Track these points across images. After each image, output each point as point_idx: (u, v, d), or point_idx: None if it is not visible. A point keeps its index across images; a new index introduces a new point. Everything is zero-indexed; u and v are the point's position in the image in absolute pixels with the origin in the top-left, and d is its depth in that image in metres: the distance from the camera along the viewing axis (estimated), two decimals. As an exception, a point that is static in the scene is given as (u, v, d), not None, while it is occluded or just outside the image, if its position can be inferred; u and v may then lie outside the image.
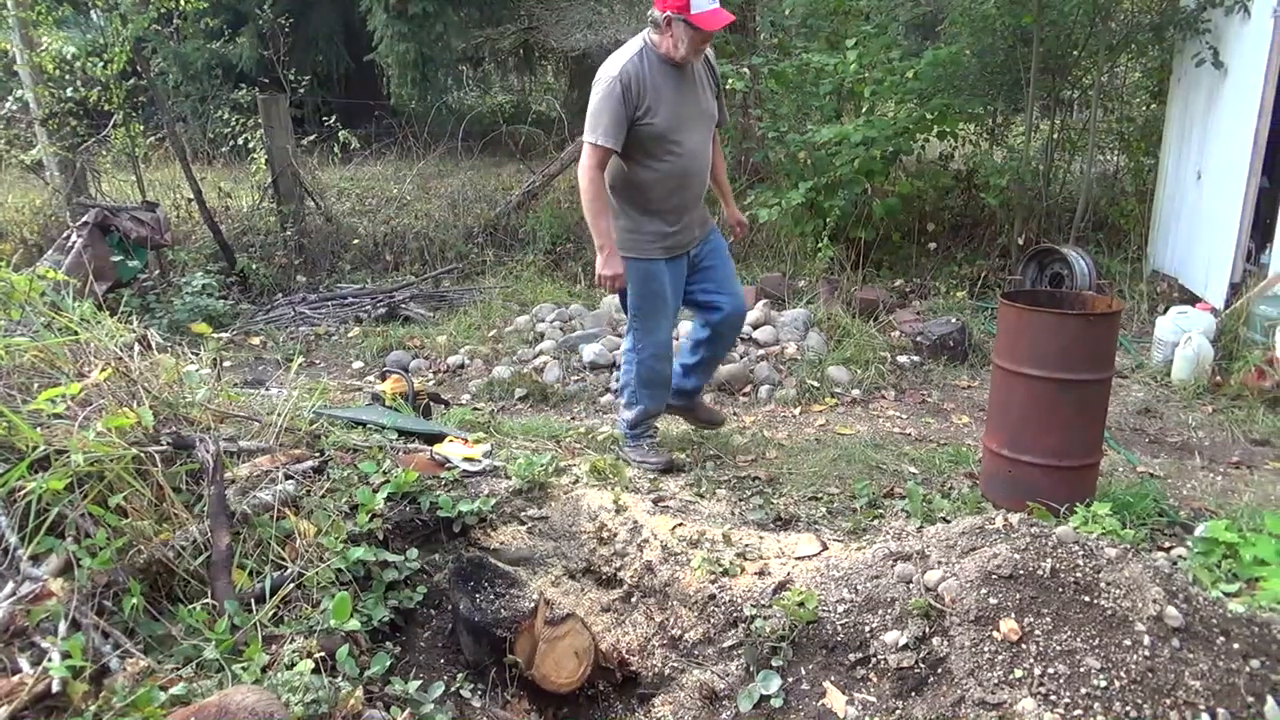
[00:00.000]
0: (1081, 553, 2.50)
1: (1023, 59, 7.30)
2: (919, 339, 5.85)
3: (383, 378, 4.80)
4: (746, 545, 2.99)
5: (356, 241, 8.50)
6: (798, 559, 2.88)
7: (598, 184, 3.67)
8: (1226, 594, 2.70)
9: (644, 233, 3.77)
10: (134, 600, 2.26)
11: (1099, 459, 3.58)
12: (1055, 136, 7.82)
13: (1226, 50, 6.03)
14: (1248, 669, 2.26)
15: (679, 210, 3.80)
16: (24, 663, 2.06)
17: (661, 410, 4.16)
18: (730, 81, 7.29)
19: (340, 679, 2.21)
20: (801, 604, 2.62)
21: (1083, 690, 2.20)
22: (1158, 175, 7.06)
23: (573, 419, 4.99)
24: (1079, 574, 2.44)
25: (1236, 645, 2.31)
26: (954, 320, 5.95)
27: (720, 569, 2.86)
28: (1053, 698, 2.20)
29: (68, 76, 7.76)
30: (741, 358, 5.55)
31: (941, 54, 7.00)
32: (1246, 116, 5.68)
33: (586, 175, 3.65)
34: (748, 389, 5.33)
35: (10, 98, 8.45)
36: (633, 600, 2.95)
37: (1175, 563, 2.89)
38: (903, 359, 5.71)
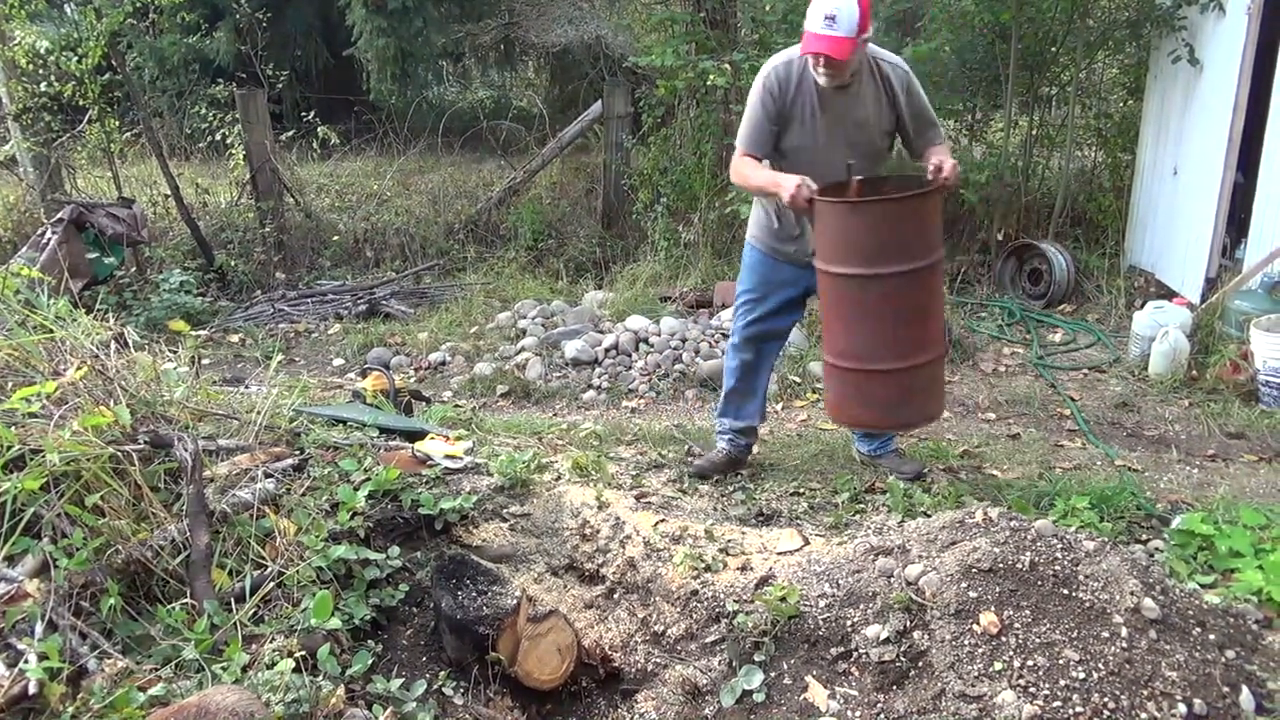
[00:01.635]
0: (1060, 546, 2.52)
1: (1001, 55, 7.34)
2: (900, 334, 5.88)
3: (364, 375, 4.78)
4: (729, 541, 3.00)
5: (336, 238, 8.44)
6: (780, 554, 2.89)
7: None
8: (1202, 585, 2.73)
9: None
10: (112, 601, 2.24)
11: (934, 356, 3.29)
12: (1034, 133, 7.87)
13: (1202, 47, 6.09)
14: (1223, 659, 2.29)
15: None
16: (0, 664, 2.04)
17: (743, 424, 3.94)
18: (711, 77, 7.29)
19: (321, 678, 2.20)
20: (783, 599, 2.63)
21: (1062, 682, 2.22)
22: (1135, 171, 7.13)
23: (555, 415, 4.99)
24: (1058, 567, 2.46)
25: (1212, 636, 2.34)
26: (934, 315, 5.98)
27: (702, 565, 2.86)
28: (1032, 689, 2.22)
29: (41, 71, 7.66)
30: (723, 355, 5.55)
31: (921, 50, 7.01)
32: (1221, 113, 5.74)
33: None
34: (729, 385, 5.34)
35: (-18, 93, 8.34)
36: (615, 597, 2.95)
37: (1152, 555, 2.92)
38: (883, 354, 5.73)
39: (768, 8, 8.24)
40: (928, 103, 3.54)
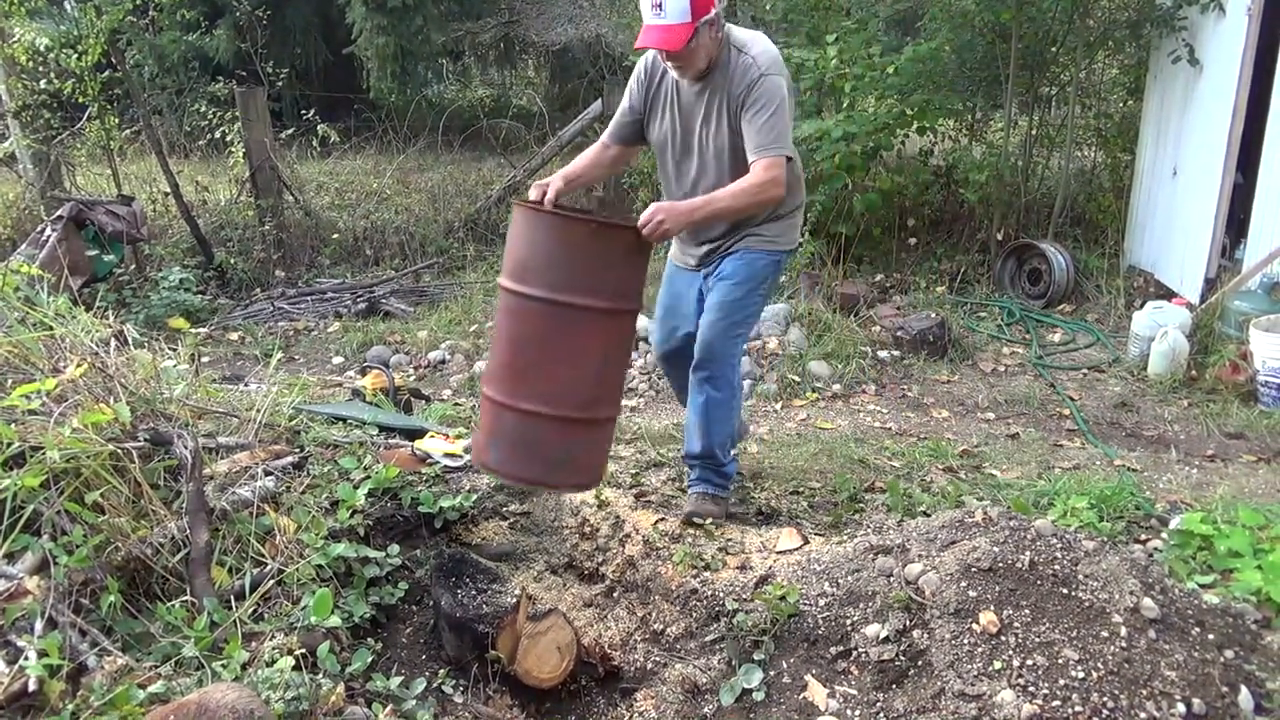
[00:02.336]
0: (1060, 545, 2.52)
1: (1001, 55, 7.34)
2: (899, 334, 5.89)
3: (363, 373, 4.78)
4: (728, 539, 3.00)
5: (336, 236, 8.44)
6: (779, 553, 2.90)
7: None
8: (1201, 585, 2.73)
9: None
10: (111, 598, 2.24)
11: (585, 417, 2.73)
12: (1034, 133, 7.87)
13: (1202, 48, 6.09)
14: (1222, 659, 2.29)
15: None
16: (0, 661, 2.04)
17: None
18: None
19: (321, 676, 2.20)
20: (783, 598, 2.63)
21: (1061, 681, 2.22)
22: (1134, 171, 7.13)
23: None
24: (1057, 566, 2.46)
25: (1211, 636, 2.35)
26: (933, 315, 5.99)
27: (702, 563, 2.86)
28: (1031, 689, 2.22)
29: (41, 68, 7.66)
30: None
31: (921, 50, 7.03)
32: (1221, 113, 5.74)
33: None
34: (729, 384, 5.34)
35: (-19, 90, 8.33)
36: (615, 595, 2.95)
37: (1151, 555, 2.92)
38: (883, 354, 5.74)
39: (768, 6, 8.26)
40: (767, 116, 2.88)
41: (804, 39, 7.70)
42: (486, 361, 2.89)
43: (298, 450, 3.07)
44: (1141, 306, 5.80)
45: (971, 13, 7.16)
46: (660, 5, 2.77)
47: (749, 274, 3.15)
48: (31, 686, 1.96)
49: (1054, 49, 7.41)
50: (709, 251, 3.24)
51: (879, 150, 7.29)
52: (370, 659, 2.38)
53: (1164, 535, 3.17)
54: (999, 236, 7.29)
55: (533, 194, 2.97)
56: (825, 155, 6.79)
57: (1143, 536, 3.17)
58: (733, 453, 3.39)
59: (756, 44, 2.97)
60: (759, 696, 2.50)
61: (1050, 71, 7.75)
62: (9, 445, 2.41)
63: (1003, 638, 2.34)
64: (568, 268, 2.61)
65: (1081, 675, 2.23)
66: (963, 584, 2.46)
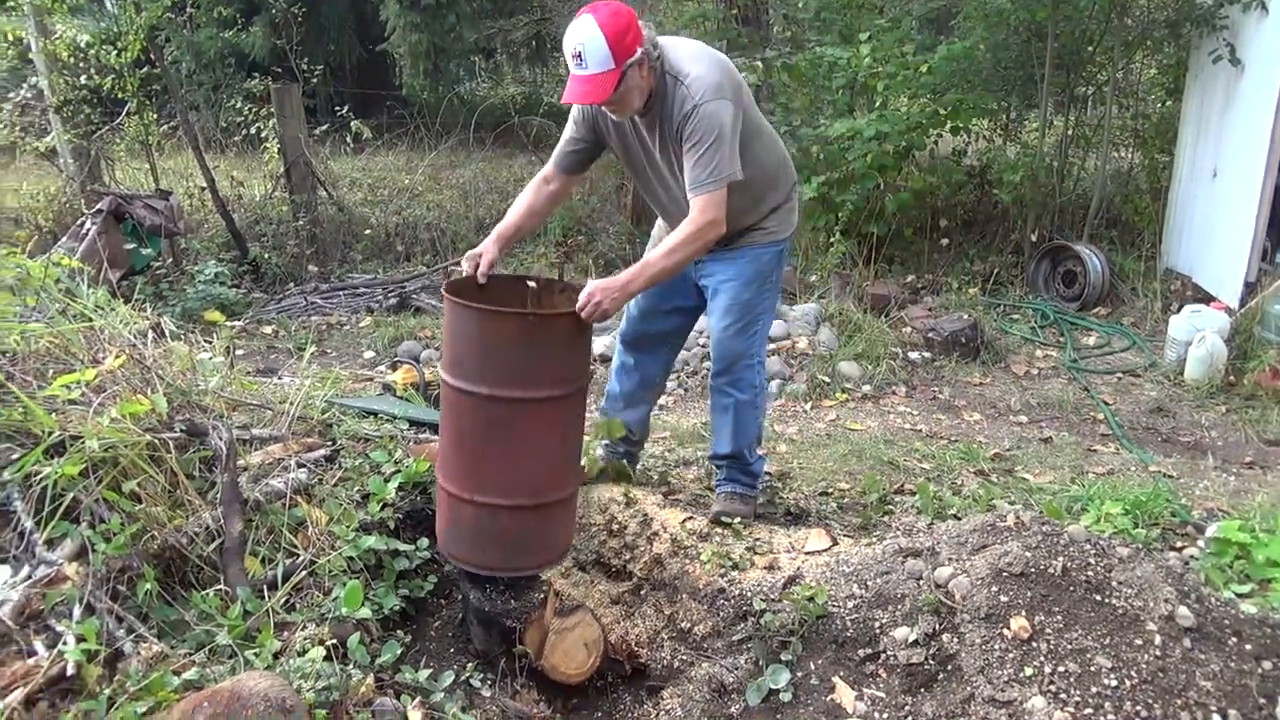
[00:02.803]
0: (1093, 551, 2.49)
1: (1037, 54, 7.26)
2: (931, 335, 5.84)
3: (394, 368, 4.81)
4: (756, 539, 3.00)
5: (368, 232, 8.51)
6: (807, 554, 2.88)
7: None
8: (1239, 595, 2.68)
9: None
10: (148, 585, 2.27)
11: (516, 504, 2.61)
12: (1070, 133, 7.78)
13: (1244, 47, 5.99)
14: (1260, 670, 2.25)
15: (663, 220, 3.21)
16: (39, 646, 2.08)
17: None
18: (743, 75, 7.26)
19: (351, 666, 2.22)
20: (811, 599, 2.62)
21: (1093, 689, 2.19)
22: (1173, 173, 7.02)
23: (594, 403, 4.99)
24: (1090, 573, 2.43)
25: (1249, 646, 2.31)
26: (966, 316, 5.93)
27: (730, 563, 2.86)
28: (1063, 696, 2.20)
29: (82, 64, 7.79)
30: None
31: (955, 49, 6.96)
32: (1263, 114, 5.64)
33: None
34: (758, 383, 5.33)
35: (25, 85, 8.48)
36: (642, 593, 2.95)
37: (1187, 563, 2.88)
38: (914, 355, 5.70)
39: (800, 4, 8.22)
40: (702, 152, 2.71)
41: (837, 37, 7.66)
42: (438, 450, 2.75)
43: (330, 443, 3.10)
44: (1179, 310, 5.71)
45: (1007, 11, 7.08)
46: (580, 56, 2.59)
47: (754, 271, 3.07)
48: (70, 671, 1.99)
49: (1091, 48, 7.31)
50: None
51: (911, 150, 7.23)
52: (399, 651, 2.40)
53: (1200, 543, 3.12)
54: (1033, 238, 7.21)
55: (464, 267, 2.84)
56: (857, 154, 6.75)
57: (1179, 544, 3.13)
58: (760, 452, 3.37)
59: (694, 67, 2.76)
60: (786, 697, 2.49)
61: (1087, 71, 7.66)
62: (50, 434, 2.46)
63: (1034, 644, 2.31)
64: (506, 362, 2.50)
65: (1114, 684, 2.20)
66: (994, 588, 2.44)
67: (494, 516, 2.58)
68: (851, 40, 7.34)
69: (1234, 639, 2.32)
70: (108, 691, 1.97)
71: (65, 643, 2.05)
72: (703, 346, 5.65)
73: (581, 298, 2.59)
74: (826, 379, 5.28)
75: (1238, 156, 6.01)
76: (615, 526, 3.11)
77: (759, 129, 3.00)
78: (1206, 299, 6.02)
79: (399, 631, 2.56)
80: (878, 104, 7.17)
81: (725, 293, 3.08)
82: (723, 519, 3.09)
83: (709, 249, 2.87)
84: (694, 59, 2.80)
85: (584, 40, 2.57)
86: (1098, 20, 6.99)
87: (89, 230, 6.43)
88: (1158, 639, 2.28)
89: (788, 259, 3.30)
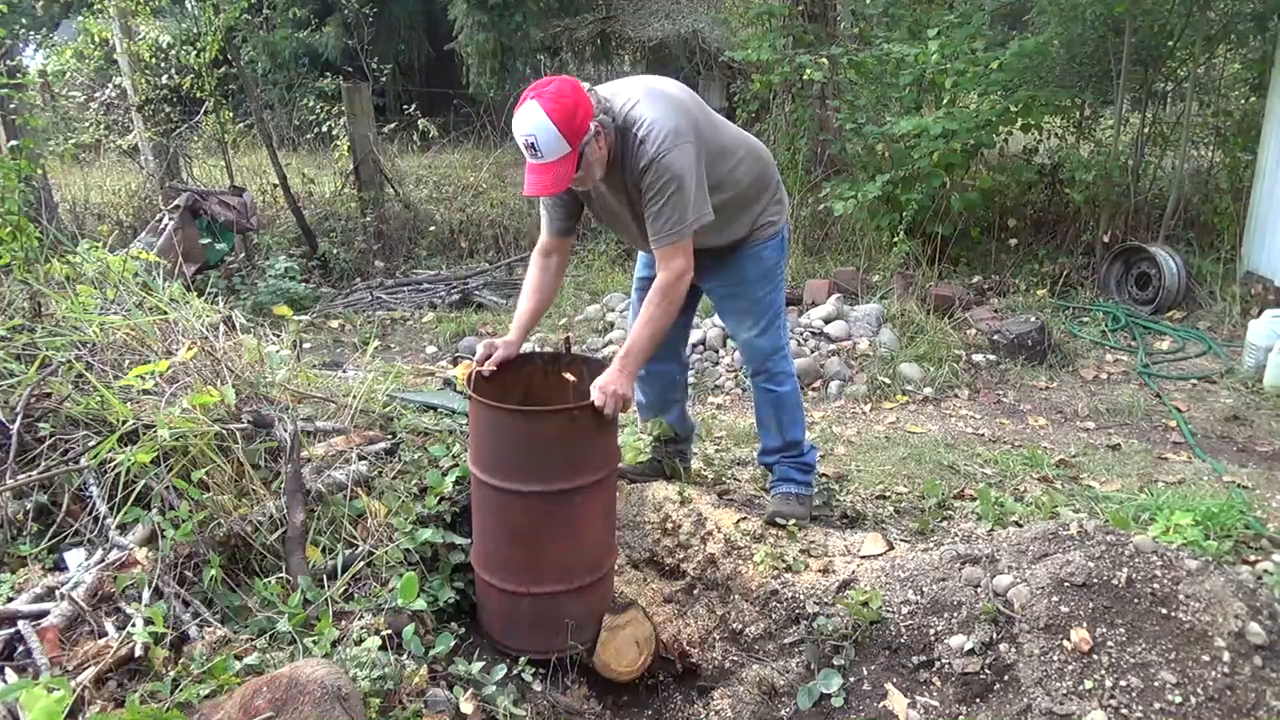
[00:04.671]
0: (1160, 563, 2.42)
1: (1114, 49, 7.04)
2: (996, 337, 5.71)
3: (455, 363, 4.88)
4: (811, 542, 2.97)
5: (433, 228, 8.65)
6: (863, 558, 2.85)
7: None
8: (1315, 612, 2.58)
9: None
10: (213, 572, 2.35)
11: (545, 590, 2.63)
12: (1146, 131, 7.53)
13: (1335, 41, 5.74)
14: (1335, 692, 2.17)
15: None
16: (110, 627, 2.16)
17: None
18: (808, 72, 7.20)
19: (405, 657, 2.27)
20: (865, 603, 2.59)
21: (1156, 705, 2.13)
22: (1255, 172, 6.75)
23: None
24: (1156, 585, 2.36)
25: (1324, 666, 2.22)
26: (1033, 319, 5.79)
27: (784, 565, 2.84)
28: (1124, 711, 2.14)
29: (163, 64, 8.06)
30: (812, 353, 5.50)
31: (1028, 44, 6.80)
32: (1355, 111, 5.40)
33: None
34: (818, 384, 5.28)
35: (110, 85, 8.81)
36: (695, 592, 2.95)
37: (1260, 578, 2.77)
38: (978, 357, 5.58)
39: (868, 0, 8.10)
40: (661, 204, 2.63)
41: (905, 33, 7.54)
42: (475, 546, 2.72)
43: (390, 436, 3.16)
44: (1259, 314, 5.49)
45: (1083, 5, 6.89)
46: (534, 147, 2.48)
47: (760, 270, 3.06)
48: (138, 652, 2.07)
49: (1171, 43, 7.07)
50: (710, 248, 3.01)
51: (980, 148, 7.08)
52: (453, 643, 2.44)
53: (1275, 558, 3.00)
54: (1105, 239, 7.01)
55: (479, 350, 2.82)
56: (924, 153, 6.64)
57: (1251, 558, 3.01)
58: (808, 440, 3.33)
59: (647, 112, 2.64)
60: (838, 702, 2.47)
61: (1166, 66, 7.41)
62: (124, 422, 2.55)
63: (1095, 656, 2.26)
64: (554, 457, 2.51)
65: (1179, 700, 2.14)
66: (1054, 598, 2.38)
67: (555, 603, 2.62)
68: (920, 36, 7.21)
69: (1308, 659, 2.24)
70: (173, 673, 2.04)
71: (134, 625, 2.12)
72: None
73: (597, 401, 2.53)
74: (887, 381, 5.21)
75: (1326, 155, 5.76)
76: (669, 525, 3.12)
77: (727, 149, 2.89)
78: (1290, 303, 5.79)
79: (453, 624, 2.61)
80: (945, 101, 7.04)
81: (739, 297, 3.08)
82: (777, 520, 3.08)
83: (683, 297, 2.77)
84: (646, 103, 2.66)
85: (534, 131, 2.46)
86: (1178, 14, 6.76)
87: (166, 226, 6.65)
88: (1226, 655, 2.21)
89: (789, 243, 3.26)
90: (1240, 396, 5.03)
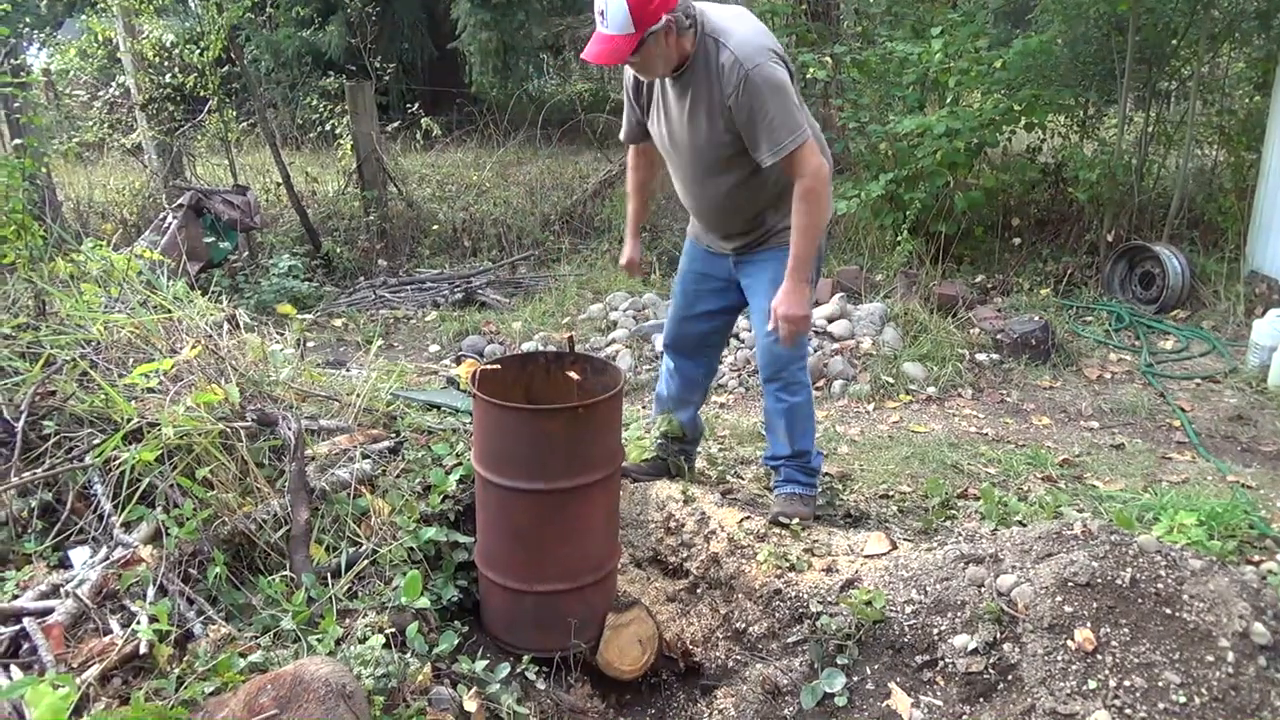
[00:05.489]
0: (1164, 563, 2.42)
1: (1117, 48, 7.03)
2: (999, 336, 5.71)
3: (458, 362, 4.89)
4: (814, 541, 2.97)
5: (436, 227, 8.64)
6: (866, 557, 2.85)
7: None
8: (1320, 612, 2.57)
9: None
10: (217, 570, 2.35)
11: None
12: (1150, 129, 7.52)
13: (1340, 40, 5.73)
14: (1340, 692, 2.16)
15: (693, 214, 3.20)
16: (115, 625, 2.16)
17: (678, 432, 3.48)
18: (812, 71, 7.19)
19: (409, 655, 2.27)
20: (869, 603, 2.59)
21: (1160, 705, 2.13)
22: (1260, 171, 6.74)
23: (643, 408, 5.01)
24: (1160, 585, 2.36)
25: (1329, 666, 2.22)
26: (1037, 318, 5.79)
27: (787, 564, 2.84)
28: (1128, 711, 2.14)
29: (166, 63, 8.06)
30: (815, 352, 5.49)
31: (1032, 43, 6.79)
32: (1360, 111, 5.38)
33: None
34: (821, 383, 5.28)
35: (113, 83, 8.82)
36: (698, 591, 2.95)
37: (1265, 578, 2.76)
38: (981, 357, 5.58)
39: None
40: (774, 111, 2.65)
41: (909, 31, 7.53)
42: (479, 544, 2.74)
43: (394, 435, 3.17)
44: (1263, 314, 5.48)
45: (1086, 4, 6.88)
46: (603, 13, 2.55)
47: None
48: (143, 649, 2.07)
49: (1175, 42, 7.06)
50: (738, 246, 3.08)
51: (983, 147, 7.08)
52: (456, 641, 2.44)
53: (1279, 557, 3.00)
54: (1109, 238, 7.00)
55: (625, 268, 3.38)
56: (927, 152, 6.63)
57: (1256, 558, 3.01)
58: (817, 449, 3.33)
59: (737, 31, 2.70)
60: (841, 701, 2.47)
61: (1170, 65, 7.39)
62: (129, 421, 2.56)
63: (1099, 656, 2.26)
64: (559, 455, 2.52)
65: (1183, 700, 2.14)
66: (1058, 598, 2.38)
67: (558, 602, 2.62)
68: (923, 35, 7.20)
69: (1313, 659, 2.23)
70: (177, 671, 2.04)
71: (139, 622, 2.13)
72: (765, 345, 5.61)
73: (782, 332, 2.79)
74: (890, 380, 5.20)
75: (1331, 154, 5.75)
76: (673, 524, 3.12)
77: (805, 119, 2.86)
78: (1294, 303, 5.78)
79: (456, 622, 2.61)
80: (949, 100, 7.03)
81: (765, 296, 2.99)
82: (781, 520, 3.08)
83: (829, 195, 2.86)
84: (736, 22, 2.74)
85: (607, 1, 2.53)
86: (1182, 12, 6.74)
87: (170, 224, 6.66)
88: (1230, 656, 2.20)
89: (824, 251, 3.23)
90: (1244, 396, 5.03)
